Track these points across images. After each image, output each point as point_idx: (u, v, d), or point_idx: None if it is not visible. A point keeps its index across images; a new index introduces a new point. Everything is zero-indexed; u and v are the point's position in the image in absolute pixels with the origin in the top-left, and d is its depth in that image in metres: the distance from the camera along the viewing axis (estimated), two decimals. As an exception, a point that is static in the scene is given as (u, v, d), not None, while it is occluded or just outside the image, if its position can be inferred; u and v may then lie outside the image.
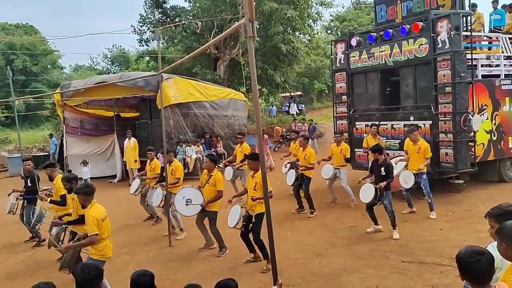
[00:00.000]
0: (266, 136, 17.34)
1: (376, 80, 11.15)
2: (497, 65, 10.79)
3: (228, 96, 17.79)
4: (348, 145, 10.74)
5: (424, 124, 9.79)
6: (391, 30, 10.60)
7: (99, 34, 56.04)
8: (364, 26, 32.56)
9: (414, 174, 8.31)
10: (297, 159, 10.01)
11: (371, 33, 11.41)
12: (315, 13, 22.91)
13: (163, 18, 23.82)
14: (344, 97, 11.99)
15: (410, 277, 5.79)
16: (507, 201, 3.38)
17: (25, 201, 8.43)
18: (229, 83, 22.85)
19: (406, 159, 8.90)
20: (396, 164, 8.80)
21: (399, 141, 10.31)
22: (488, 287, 2.50)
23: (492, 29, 11.98)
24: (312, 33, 24.52)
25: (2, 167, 21.07)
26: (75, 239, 5.53)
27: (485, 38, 11.22)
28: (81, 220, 5.55)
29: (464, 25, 9.87)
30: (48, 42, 42.47)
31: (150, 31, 23.93)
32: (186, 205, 7.18)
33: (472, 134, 9.59)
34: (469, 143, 9.63)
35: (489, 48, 11.02)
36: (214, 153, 13.24)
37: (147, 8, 23.89)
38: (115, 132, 16.45)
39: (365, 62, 11.25)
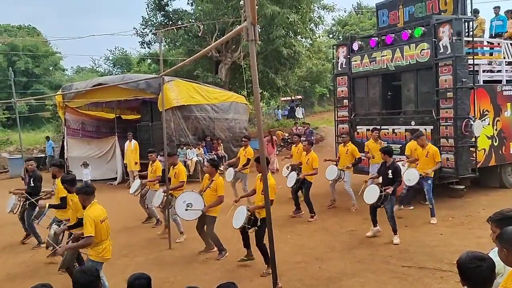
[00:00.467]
0: (275, 137, 17.31)
1: (377, 85, 11.17)
2: (499, 71, 10.81)
3: (229, 99, 17.82)
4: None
5: (425, 129, 9.78)
6: (393, 35, 10.63)
7: (101, 35, 56.01)
8: (366, 31, 32.55)
9: (420, 174, 8.28)
10: (300, 162, 10.00)
11: (373, 38, 11.45)
12: (317, 17, 22.93)
13: (165, 21, 23.84)
14: (346, 101, 12.00)
15: (410, 282, 5.77)
16: (509, 207, 3.37)
17: (27, 204, 8.38)
18: (230, 86, 22.85)
19: (413, 161, 8.88)
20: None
21: (400, 145, 10.31)
22: (489, 293, 2.49)
23: (493, 35, 11.99)
24: (314, 37, 24.51)
25: (2, 168, 21.04)
26: (70, 238, 5.52)
27: (486, 43, 11.24)
28: (80, 223, 5.53)
29: (466, 30, 9.89)
30: (50, 43, 42.59)
31: (152, 34, 23.99)
32: (186, 209, 7.17)
33: (473, 139, 9.60)
34: (470, 149, 9.64)
35: (491, 54, 11.03)
36: (215, 158, 13.24)
37: (150, 11, 23.95)
38: (116, 134, 16.44)
39: (366, 66, 11.26)
